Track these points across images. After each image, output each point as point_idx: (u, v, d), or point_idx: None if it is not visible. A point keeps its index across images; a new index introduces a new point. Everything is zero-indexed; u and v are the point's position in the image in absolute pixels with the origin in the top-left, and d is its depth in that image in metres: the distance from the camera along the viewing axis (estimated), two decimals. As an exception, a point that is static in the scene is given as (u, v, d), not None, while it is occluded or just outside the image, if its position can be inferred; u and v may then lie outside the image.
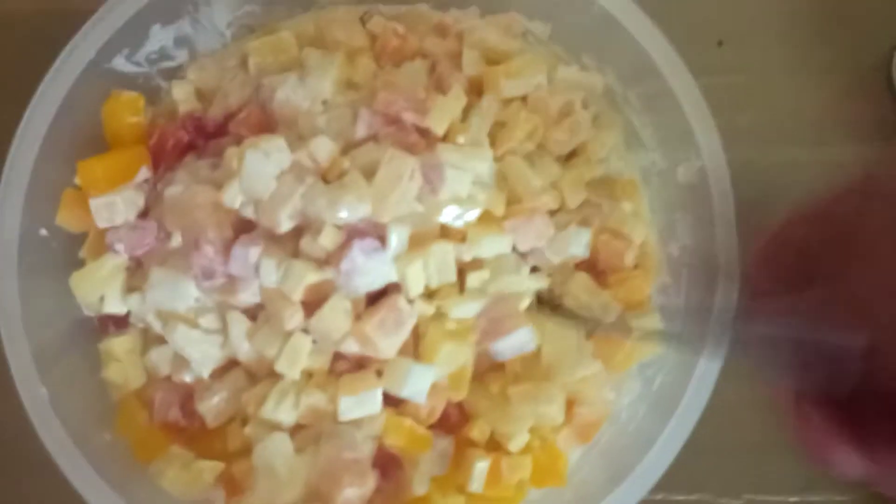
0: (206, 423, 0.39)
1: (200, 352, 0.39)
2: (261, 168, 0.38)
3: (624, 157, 0.45)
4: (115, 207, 0.40)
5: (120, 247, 0.40)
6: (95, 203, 0.40)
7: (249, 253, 0.38)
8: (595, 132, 0.44)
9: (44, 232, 0.40)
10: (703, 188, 0.40)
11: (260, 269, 0.38)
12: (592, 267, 0.42)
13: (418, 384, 0.37)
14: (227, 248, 0.39)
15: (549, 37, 0.47)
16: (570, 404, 0.41)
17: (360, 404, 0.36)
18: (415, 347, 0.38)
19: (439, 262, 0.38)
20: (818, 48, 0.51)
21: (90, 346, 0.41)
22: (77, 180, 0.41)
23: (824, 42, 0.51)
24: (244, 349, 0.39)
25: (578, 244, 0.41)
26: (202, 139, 0.43)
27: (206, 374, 0.39)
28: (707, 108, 0.41)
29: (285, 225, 0.38)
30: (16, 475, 0.43)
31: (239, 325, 0.39)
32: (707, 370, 0.38)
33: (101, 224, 0.40)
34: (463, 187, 0.39)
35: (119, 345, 0.40)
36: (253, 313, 0.40)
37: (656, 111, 0.43)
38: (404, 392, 0.37)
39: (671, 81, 0.41)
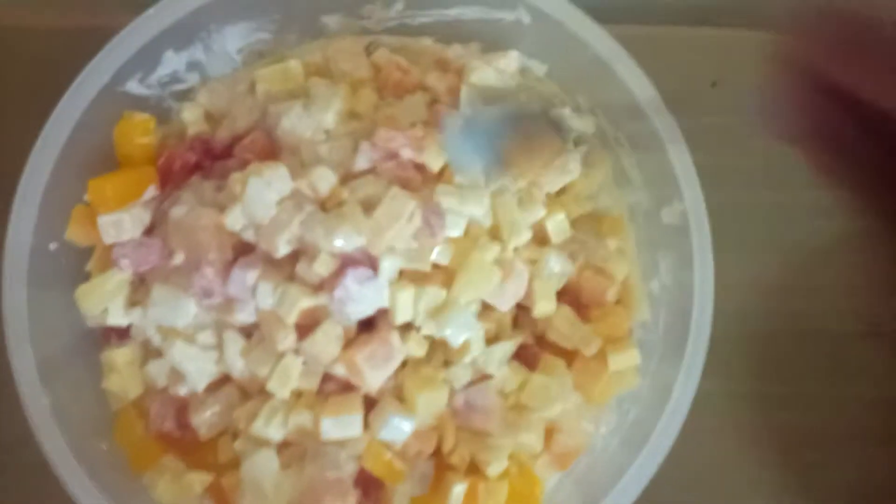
0: (198, 435, 0.41)
1: (196, 367, 0.41)
2: (262, 194, 0.40)
3: (613, 194, 0.47)
4: (122, 225, 0.42)
5: (125, 262, 0.42)
6: (103, 220, 0.41)
7: (247, 276, 0.40)
8: (585, 170, 0.46)
9: (53, 245, 0.42)
10: (685, 230, 0.42)
11: (257, 292, 0.40)
12: (575, 301, 0.43)
13: (396, 432, 0.39)
14: (226, 270, 0.41)
15: (546, 74, 0.48)
16: (549, 432, 0.42)
17: (342, 426, 0.38)
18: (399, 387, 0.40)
19: (430, 301, 0.40)
20: None
21: (93, 357, 0.42)
22: (87, 197, 0.43)
23: None
24: (238, 367, 0.41)
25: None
26: (209, 160, 0.45)
27: (200, 388, 0.41)
28: (689, 154, 0.42)
29: (283, 250, 0.40)
30: (16, 479, 0.44)
31: (234, 343, 0.40)
32: (678, 405, 0.40)
33: (108, 240, 0.42)
34: (458, 230, 0.40)
35: (120, 356, 0.42)
36: (248, 332, 0.41)
37: (643, 153, 0.45)
38: (382, 435, 0.39)
39: (657, 125, 0.43)
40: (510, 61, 0.48)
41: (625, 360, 0.42)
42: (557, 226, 0.43)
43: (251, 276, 0.40)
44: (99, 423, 0.41)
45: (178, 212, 0.42)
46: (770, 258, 0.51)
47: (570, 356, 0.43)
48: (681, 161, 0.42)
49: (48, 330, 0.41)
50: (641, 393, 0.43)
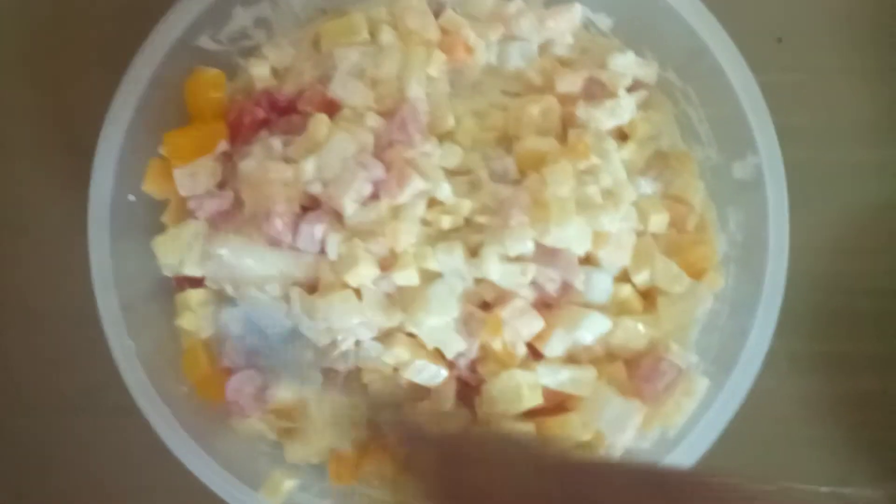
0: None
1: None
2: (343, 148, 0.41)
3: (675, 136, 0.46)
4: (196, 177, 0.43)
5: (200, 212, 0.43)
6: (178, 172, 0.43)
7: (315, 230, 0.41)
8: (643, 113, 0.46)
9: (131, 197, 0.43)
10: (758, 186, 0.41)
11: (326, 245, 0.41)
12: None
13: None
14: (294, 222, 0.41)
15: (612, 29, 0.48)
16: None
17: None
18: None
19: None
20: (878, 49, 0.51)
21: (169, 304, 0.44)
22: (162, 150, 0.44)
23: (884, 42, 0.51)
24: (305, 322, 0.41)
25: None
26: (276, 115, 0.46)
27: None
28: (765, 105, 0.41)
29: (349, 208, 0.41)
30: (100, 420, 0.47)
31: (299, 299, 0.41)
32: (748, 364, 0.40)
33: (183, 192, 0.43)
34: None
35: (193, 296, 0.43)
36: (313, 286, 0.42)
37: (714, 106, 0.44)
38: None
39: (731, 77, 0.42)
40: (573, 16, 0.47)
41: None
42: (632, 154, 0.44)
43: (318, 230, 0.41)
44: (178, 365, 0.43)
45: (247, 166, 0.43)
46: (835, 217, 0.50)
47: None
48: (756, 113, 0.41)
49: (129, 278, 0.42)
50: (710, 347, 0.42)
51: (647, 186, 0.44)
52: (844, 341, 0.49)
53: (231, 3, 0.45)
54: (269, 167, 0.42)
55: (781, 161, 0.41)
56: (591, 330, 0.40)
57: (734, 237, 0.44)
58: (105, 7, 0.51)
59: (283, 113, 0.46)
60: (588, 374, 0.41)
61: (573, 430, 0.40)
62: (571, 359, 0.42)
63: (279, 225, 0.41)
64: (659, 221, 0.42)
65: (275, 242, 0.41)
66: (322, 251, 0.41)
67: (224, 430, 0.42)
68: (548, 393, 0.40)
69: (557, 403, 0.41)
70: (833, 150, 0.50)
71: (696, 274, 0.43)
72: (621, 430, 0.41)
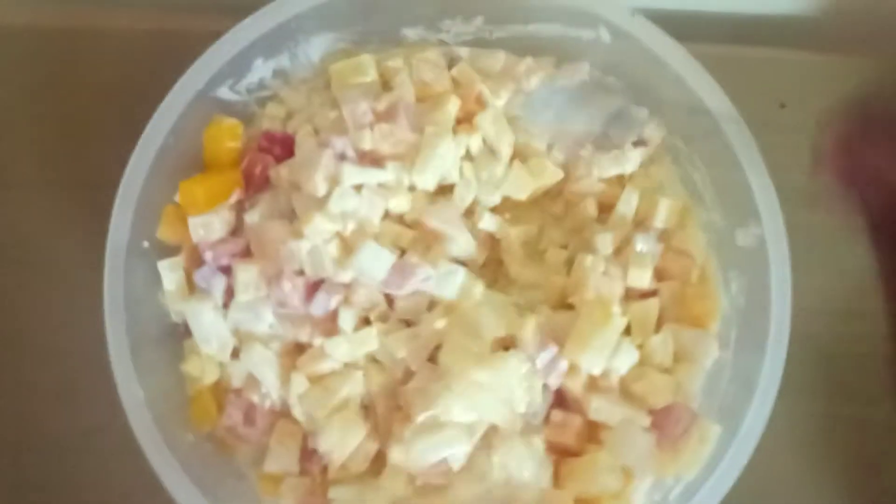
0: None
1: (272, 374, 0.42)
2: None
3: (677, 191, 0.48)
4: (210, 226, 0.44)
5: (209, 256, 0.43)
6: (193, 222, 0.43)
7: (331, 300, 0.42)
8: (644, 168, 0.47)
9: (146, 244, 0.44)
10: (761, 254, 0.42)
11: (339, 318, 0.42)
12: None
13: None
14: (304, 286, 0.42)
15: (621, 90, 0.49)
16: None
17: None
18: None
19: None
20: None
21: (179, 349, 0.44)
22: (177, 198, 0.45)
23: None
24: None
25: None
26: (285, 154, 0.46)
27: (275, 395, 0.42)
28: (768, 176, 0.42)
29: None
30: (104, 458, 0.47)
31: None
32: (751, 427, 0.40)
33: (197, 239, 0.44)
34: None
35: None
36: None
37: (718, 171, 0.45)
38: None
39: (734, 143, 0.43)
40: (582, 74, 0.49)
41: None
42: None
43: (334, 300, 0.42)
44: (185, 412, 0.43)
45: (250, 218, 0.44)
46: (837, 281, 0.51)
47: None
48: (759, 182, 0.42)
49: (139, 325, 0.42)
50: (710, 413, 0.43)
51: (646, 244, 0.45)
52: (845, 404, 0.50)
53: (253, 56, 0.46)
54: (271, 225, 0.43)
55: (784, 233, 0.42)
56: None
57: (736, 301, 0.45)
58: (129, 54, 0.53)
59: (284, 147, 0.46)
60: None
61: (603, 466, 0.41)
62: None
63: (287, 287, 0.41)
64: (639, 276, 0.43)
65: (282, 303, 0.42)
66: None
67: (231, 480, 0.42)
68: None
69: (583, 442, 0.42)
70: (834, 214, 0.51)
71: (702, 326, 0.44)
72: (646, 469, 0.41)
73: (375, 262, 0.41)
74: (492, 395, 0.39)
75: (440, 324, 0.41)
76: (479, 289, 0.42)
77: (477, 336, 0.41)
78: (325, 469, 0.42)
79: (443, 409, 0.38)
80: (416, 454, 0.39)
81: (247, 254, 0.44)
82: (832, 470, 0.49)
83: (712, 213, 0.46)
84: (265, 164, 0.46)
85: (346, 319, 0.42)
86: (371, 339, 0.41)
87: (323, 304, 0.41)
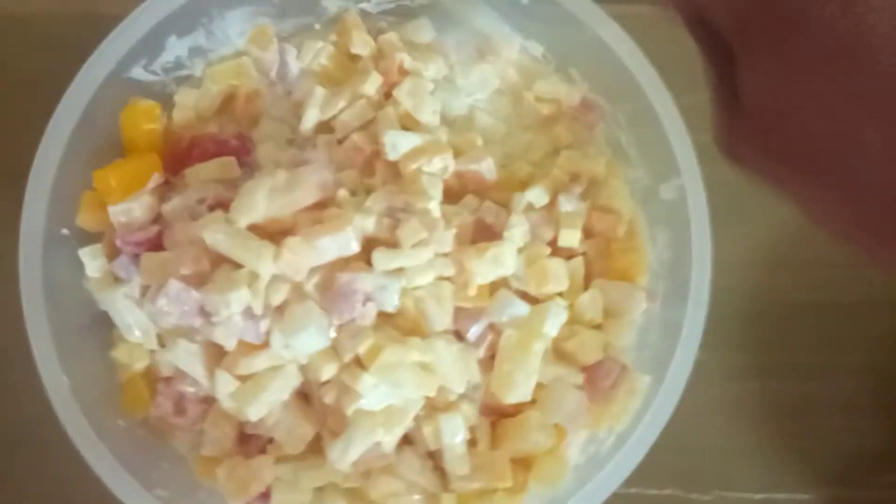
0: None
1: (200, 367, 0.41)
2: None
3: (605, 153, 0.48)
4: (131, 213, 0.43)
5: (126, 248, 0.42)
6: (114, 210, 0.42)
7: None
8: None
9: (65, 231, 0.43)
10: (683, 205, 0.43)
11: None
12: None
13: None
14: (202, 281, 0.40)
15: (543, 55, 0.49)
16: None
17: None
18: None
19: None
20: None
21: (107, 336, 0.44)
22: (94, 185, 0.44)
23: None
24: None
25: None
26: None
27: (205, 385, 0.41)
28: (686, 128, 0.43)
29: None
30: (36, 455, 0.46)
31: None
32: (675, 378, 0.41)
33: (120, 227, 0.43)
34: None
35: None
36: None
37: (640, 129, 0.46)
38: None
39: (653, 101, 0.44)
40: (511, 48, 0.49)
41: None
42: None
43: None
44: (114, 399, 0.43)
45: (166, 209, 0.43)
46: (764, 233, 0.53)
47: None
48: (678, 137, 0.43)
49: (64, 313, 0.42)
50: (641, 366, 0.44)
51: (570, 204, 0.45)
52: (773, 352, 0.52)
53: (164, 34, 0.45)
54: (179, 228, 0.42)
55: (702, 185, 0.42)
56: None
57: (663, 255, 0.45)
58: (33, 39, 0.51)
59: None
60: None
61: (535, 425, 0.41)
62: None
63: (174, 289, 0.40)
64: (570, 237, 0.43)
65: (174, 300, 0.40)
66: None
67: (167, 464, 0.42)
68: None
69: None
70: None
71: (629, 279, 0.45)
72: (577, 425, 0.42)
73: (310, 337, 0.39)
74: (421, 378, 0.39)
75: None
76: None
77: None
78: (263, 450, 0.42)
79: (368, 399, 0.38)
80: (347, 451, 0.38)
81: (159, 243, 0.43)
82: (759, 418, 0.51)
83: (637, 170, 0.47)
84: (204, 148, 0.45)
85: (278, 342, 0.39)
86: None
87: (254, 331, 0.39)
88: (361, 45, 0.48)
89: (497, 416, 0.42)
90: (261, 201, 0.40)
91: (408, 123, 0.46)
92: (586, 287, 0.44)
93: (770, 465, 0.51)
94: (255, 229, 0.40)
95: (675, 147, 0.43)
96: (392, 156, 0.43)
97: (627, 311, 0.43)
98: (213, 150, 0.45)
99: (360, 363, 0.38)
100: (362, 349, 0.38)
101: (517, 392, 0.40)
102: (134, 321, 0.42)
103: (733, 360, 0.51)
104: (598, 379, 0.42)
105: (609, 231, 0.45)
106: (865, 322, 0.52)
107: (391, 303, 0.40)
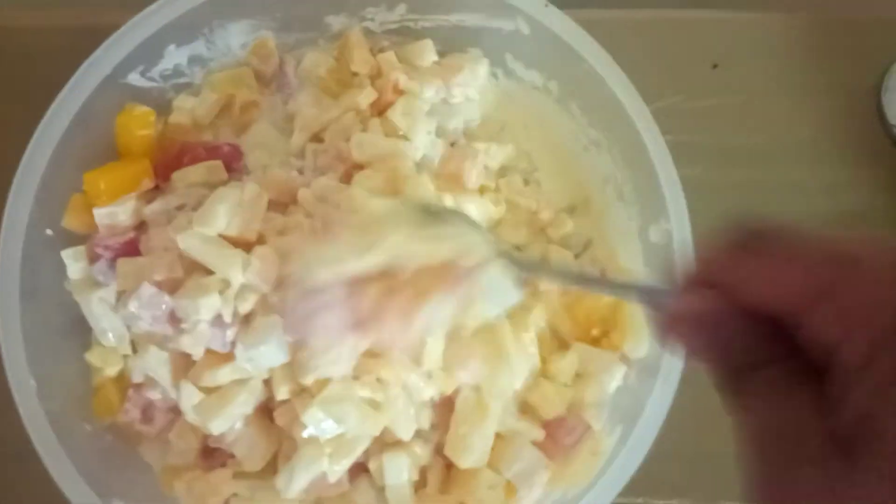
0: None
1: (168, 376, 0.41)
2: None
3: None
4: (116, 216, 0.43)
5: (105, 253, 0.42)
6: (99, 213, 0.43)
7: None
8: None
9: (49, 232, 0.43)
10: (669, 251, 0.42)
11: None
12: None
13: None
14: (174, 287, 0.40)
15: (543, 84, 0.48)
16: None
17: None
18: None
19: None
20: (811, 72, 0.53)
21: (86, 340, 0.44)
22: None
23: (817, 67, 0.53)
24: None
25: None
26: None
27: (172, 395, 0.41)
28: (676, 172, 0.42)
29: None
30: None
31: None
32: (668, 377, 0.40)
33: (104, 231, 0.43)
34: None
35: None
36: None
37: (634, 167, 0.45)
38: None
39: (646, 140, 0.43)
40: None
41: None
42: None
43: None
44: (85, 403, 0.43)
45: (145, 212, 0.43)
46: None
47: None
48: (667, 178, 0.42)
49: (43, 314, 0.42)
50: (620, 407, 0.43)
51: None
52: None
53: (163, 42, 0.45)
54: (153, 234, 0.42)
55: (689, 229, 0.41)
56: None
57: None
58: (31, 50, 0.51)
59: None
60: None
61: (484, 482, 0.40)
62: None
63: (145, 294, 0.39)
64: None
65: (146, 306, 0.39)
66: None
67: (131, 472, 0.42)
68: None
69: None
70: (773, 170, 0.51)
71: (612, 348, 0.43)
72: (531, 484, 0.40)
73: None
74: (366, 416, 0.38)
75: None
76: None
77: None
78: (224, 464, 0.41)
79: (314, 428, 0.38)
80: (291, 480, 0.38)
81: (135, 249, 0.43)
82: None
83: (631, 208, 0.46)
84: (195, 154, 0.45)
85: (242, 353, 0.39)
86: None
87: (221, 339, 0.39)
88: (362, 63, 0.48)
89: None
90: (222, 214, 0.39)
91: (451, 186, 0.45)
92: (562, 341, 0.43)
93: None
94: (229, 238, 0.40)
95: (664, 188, 0.42)
96: (356, 154, 0.43)
97: (602, 380, 0.42)
98: (203, 155, 0.45)
99: (310, 391, 0.38)
100: (310, 379, 0.37)
101: (472, 457, 0.39)
102: (109, 325, 0.42)
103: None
104: (560, 436, 0.40)
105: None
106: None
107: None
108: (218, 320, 0.39)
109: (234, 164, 0.46)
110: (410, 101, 0.46)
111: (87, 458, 0.39)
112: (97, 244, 0.42)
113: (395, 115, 0.45)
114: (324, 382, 0.37)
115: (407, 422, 0.39)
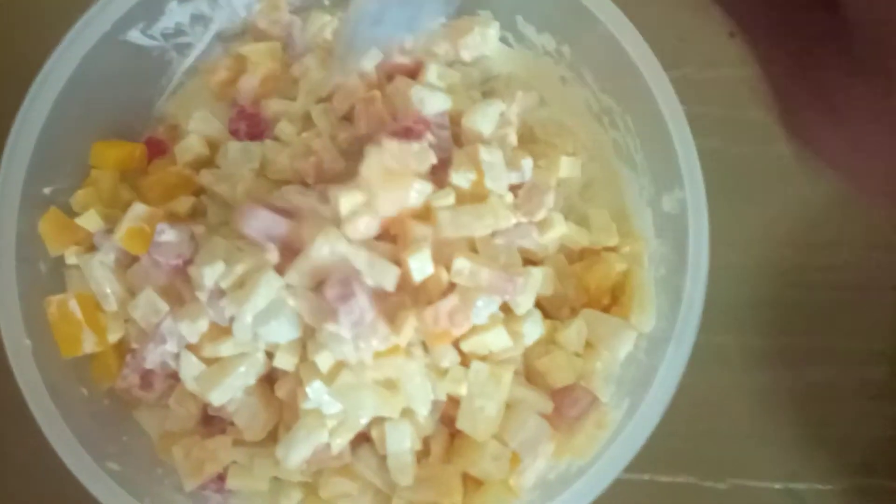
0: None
1: None
2: None
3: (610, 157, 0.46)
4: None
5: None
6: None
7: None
8: None
9: (46, 191, 0.42)
10: (683, 219, 0.41)
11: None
12: None
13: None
14: None
15: (555, 49, 0.47)
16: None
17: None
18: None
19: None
20: None
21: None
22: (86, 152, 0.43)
23: None
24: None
25: None
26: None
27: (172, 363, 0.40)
28: (692, 140, 0.40)
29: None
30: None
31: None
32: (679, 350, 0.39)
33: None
34: None
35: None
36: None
37: (648, 136, 0.44)
38: None
39: (662, 108, 0.41)
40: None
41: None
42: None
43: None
44: (84, 367, 0.42)
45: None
46: (781, 212, 0.50)
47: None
48: (684, 146, 0.40)
49: (39, 277, 0.41)
50: (627, 379, 0.42)
51: None
52: (796, 336, 0.48)
53: (164, -1, 0.44)
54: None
55: (705, 197, 0.40)
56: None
57: (659, 271, 0.43)
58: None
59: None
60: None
61: (490, 453, 0.39)
62: None
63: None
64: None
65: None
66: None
67: (126, 437, 0.41)
68: None
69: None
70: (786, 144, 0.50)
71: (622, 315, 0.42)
72: (535, 454, 0.40)
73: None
74: (383, 399, 0.37)
75: None
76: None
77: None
78: (224, 431, 0.40)
79: (317, 402, 0.37)
80: (291, 451, 0.37)
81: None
82: (776, 402, 0.48)
83: (643, 178, 0.44)
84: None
85: (241, 329, 0.38)
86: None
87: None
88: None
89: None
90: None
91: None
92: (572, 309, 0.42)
93: (789, 454, 0.47)
94: None
95: (680, 157, 0.40)
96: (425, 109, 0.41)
97: (612, 348, 0.41)
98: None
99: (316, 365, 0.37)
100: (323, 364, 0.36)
101: (489, 428, 0.38)
102: (111, 291, 0.41)
103: (754, 344, 0.48)
104: (565, 406, 0.39)
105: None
106: (890, 307, 0.48)
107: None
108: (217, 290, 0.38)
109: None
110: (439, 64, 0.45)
111: (83, 420, 0.38)
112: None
113: (432, 77, 0.44)
114: (337, 368, 0.36)
115: (425, 396, 0.38)
